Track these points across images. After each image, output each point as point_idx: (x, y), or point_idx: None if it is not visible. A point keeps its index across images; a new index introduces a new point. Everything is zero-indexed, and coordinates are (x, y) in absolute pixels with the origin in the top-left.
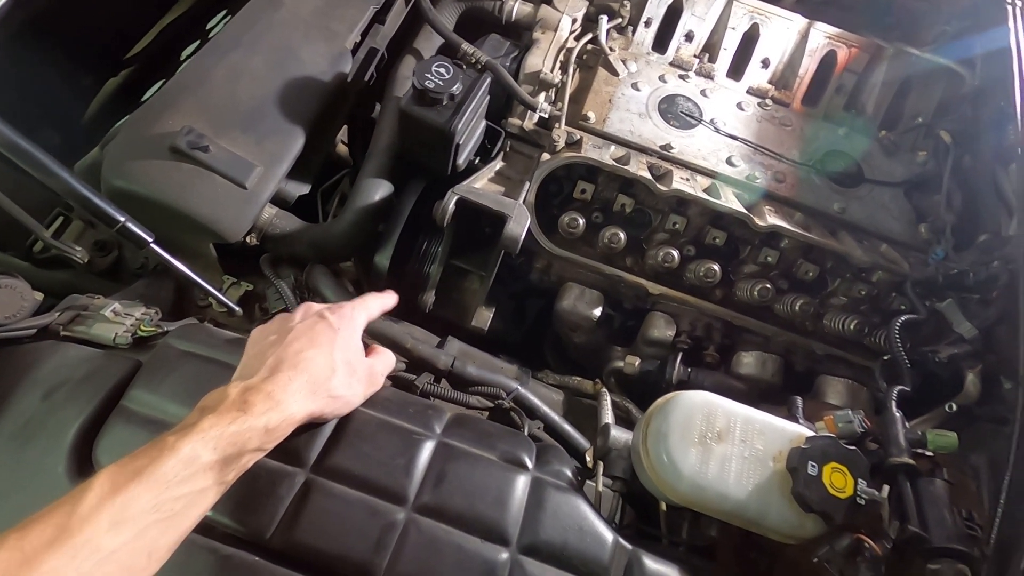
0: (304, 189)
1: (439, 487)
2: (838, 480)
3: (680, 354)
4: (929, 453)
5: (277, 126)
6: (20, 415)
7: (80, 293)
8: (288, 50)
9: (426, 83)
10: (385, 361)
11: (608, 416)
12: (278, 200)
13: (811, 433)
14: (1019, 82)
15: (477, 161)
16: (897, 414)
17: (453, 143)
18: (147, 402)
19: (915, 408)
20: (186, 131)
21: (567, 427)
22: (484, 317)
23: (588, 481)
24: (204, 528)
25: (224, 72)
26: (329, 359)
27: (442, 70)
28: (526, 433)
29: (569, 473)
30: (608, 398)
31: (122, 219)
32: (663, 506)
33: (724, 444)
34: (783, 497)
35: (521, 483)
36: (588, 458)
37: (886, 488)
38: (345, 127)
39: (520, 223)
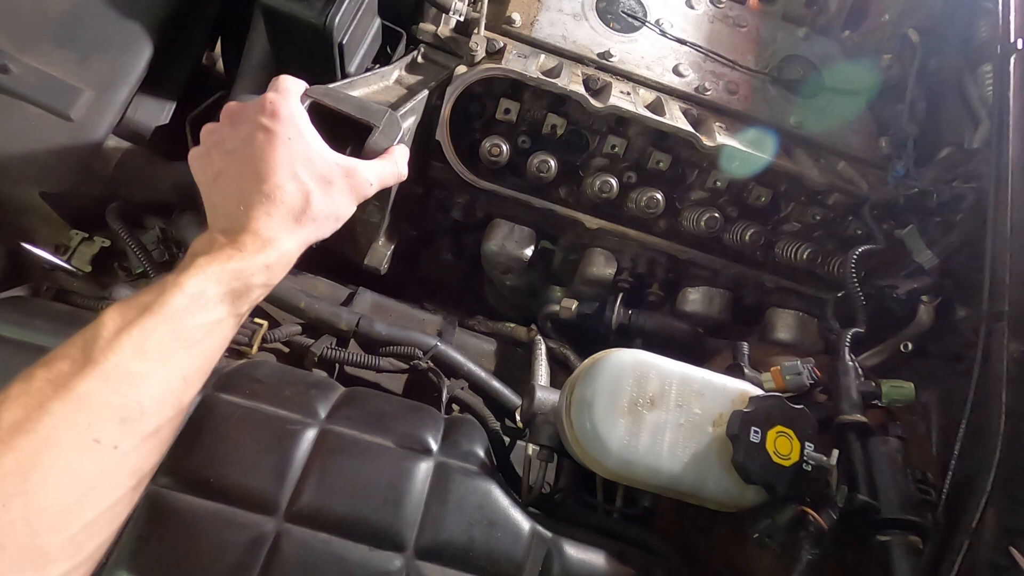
0: (163, 117)
1: (318, 488)
2: (783, 445)
3: (620, 295)
4: (883, 405)
5: (109, 37)
6: None
7: None
8: None
9: None
10: (380, 167)
11: (542, 369)
12: (128, 133)
13: (755, 391)
14: None
15: (377, 67)
16: (850, 363)
17: (334, 43)
18: None
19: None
20: None
21: (495, 383)
22: (380, 255)
23: (519, 441)
24: None
25: None
26: (296, 181)
27: None
28: (445, 396)
29: (481, 453)
30: (543, 347)
31: None
32: None
33: (657, 411)
34: (722, 466)
35: (421, 472)
36: (519, 416)
37: (835, 453)
38: (220, 39)
39: (388, 136)
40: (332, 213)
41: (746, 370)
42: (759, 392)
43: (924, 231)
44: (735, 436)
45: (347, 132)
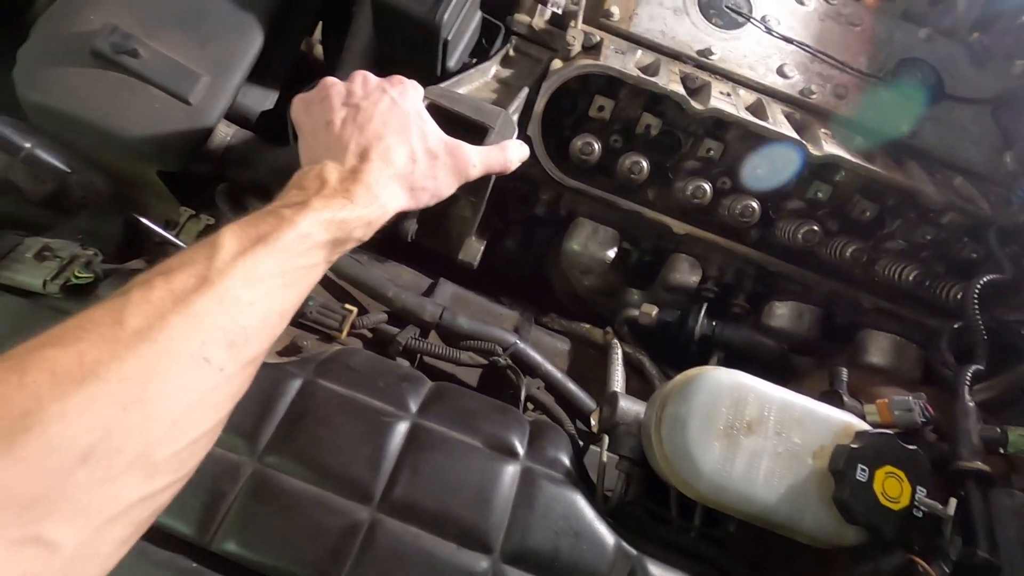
0: (268, 102)
1: (411, 482)
2: (892, 487)
3: (705, 305)
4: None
5: (226, 23)
6: None
7: (19, 224)
8: None
9: None
10: (487, 151)
11: (618, 375)
12: (236, 116)
13: (860, 424)
14: None
15: (474, 63)
16: (970, 404)
17: (440, 39)
18: None
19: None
20: (109, 30)
21: (571, 386)
22: (473, 250)
23: (592, 446)
24: None
25: None
26: (408, 147)
27: None
28: (523, 395)
29: (567, 461)
30: (619, 352)
31: (27, 145)
32: None
33: (754, 436)
34: (821, 501)
35: (508, 476)
36: (593, 421)
37: (953, 502)
38: (320, 24)
39: (504, 136)
40: (432, 185)
41: (845, 398)
42: (864, 426)
43: None
44: (839, 472)
45: (461, 132)
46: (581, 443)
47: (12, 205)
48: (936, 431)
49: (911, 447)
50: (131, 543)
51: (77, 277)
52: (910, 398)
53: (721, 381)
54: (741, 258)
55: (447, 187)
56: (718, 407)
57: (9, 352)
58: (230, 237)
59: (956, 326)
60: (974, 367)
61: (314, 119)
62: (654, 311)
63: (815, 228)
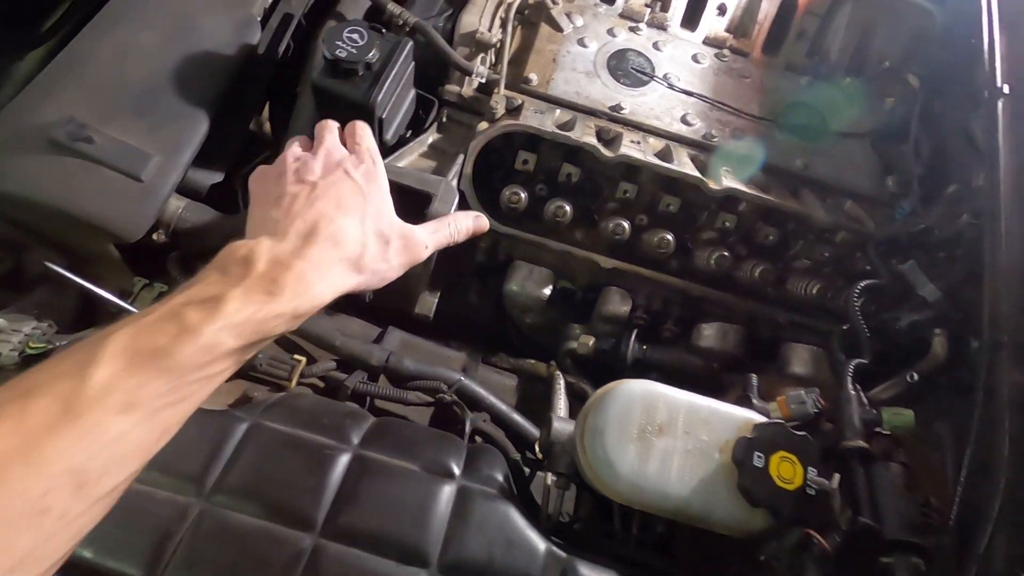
0: (218, 177)
1: (351, 507)
2: (786, 470)
3: (635, 331)
4: (887, 432)
5: (175, 109)
6: None
7: None
8: (184, 21)
9: (337, 52)
10: (435, 230)
11: (560, 403)
12: (188, 190)
13: (760, 419)
14: (987, 16)
15: (409, 134)
16: (852, 392)
17: (375, 118)
18: None
19: (881, 376)
20: (65, 121)
21: (515, 416)
22: (428, 304)
23: (539, 472)
24: (78, 570)
25: (110, 50)
26: (360, 230)
27: (355, 36)
28: (468, 428)
29: (500, 478)
30: (561, 382)
31: None
32: None
33: (666, 437)
34: (729, 492)
35: (445, 495)
36: (539, 448)
37: (836, 477)
38: (268, 104)
39: (447, 202)
40: (380, 269)
41: (754, 400)
42: (764, 420)
43: (932, 266)
44: (740, 461)
45: (406, 200)
46: (529, 470)
47: None
48: (831, 420)
49: (800, 433)
50: None
51: (31, 348)
52: (803, 392)
53: (634, 391)
54: (665, 286)
55: (395, 271)
56: (632, 414)
57: None
58: (114, 349)
59: (845, 327)
60: (856, 360)
61: (267, 191)
62: (591, 341)
63: (725, 253)
